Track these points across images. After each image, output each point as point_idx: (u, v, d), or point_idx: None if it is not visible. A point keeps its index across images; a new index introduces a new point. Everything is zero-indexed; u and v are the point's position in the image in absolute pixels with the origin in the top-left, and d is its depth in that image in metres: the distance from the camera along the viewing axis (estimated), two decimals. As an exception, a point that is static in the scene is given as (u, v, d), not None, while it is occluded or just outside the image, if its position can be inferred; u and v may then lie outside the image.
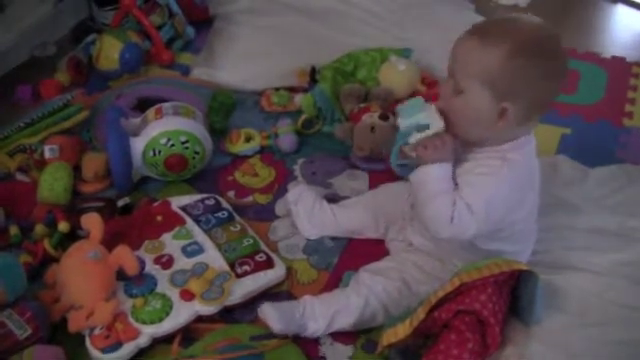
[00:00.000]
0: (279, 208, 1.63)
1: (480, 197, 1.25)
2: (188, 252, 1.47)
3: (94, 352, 1.29)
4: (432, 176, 1.27)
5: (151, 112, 1.67)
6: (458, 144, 1.29)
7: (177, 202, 1.59)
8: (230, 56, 2.10)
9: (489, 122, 1.24)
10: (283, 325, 1.29)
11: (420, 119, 1.28)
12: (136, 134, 1.64)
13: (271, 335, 1.30)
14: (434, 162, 1.27)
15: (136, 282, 1.39)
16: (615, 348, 1.24)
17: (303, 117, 1.84)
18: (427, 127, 1.27)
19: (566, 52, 1.25)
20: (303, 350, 1.30)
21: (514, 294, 1.30)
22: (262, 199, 1.67)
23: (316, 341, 1.34)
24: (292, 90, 1.95)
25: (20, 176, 1.67)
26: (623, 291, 1.35)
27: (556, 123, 1.87)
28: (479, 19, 2.06)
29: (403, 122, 1.31)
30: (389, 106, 1.81)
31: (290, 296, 1.42)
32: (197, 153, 1.65)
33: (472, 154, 1.30)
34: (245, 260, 1.45)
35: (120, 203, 1.60)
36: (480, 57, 1.21)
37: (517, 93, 1.21)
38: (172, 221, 1.54)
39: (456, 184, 1.28)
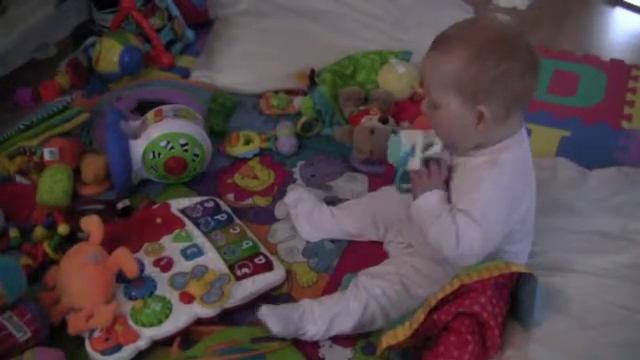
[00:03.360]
0: (278, 211, 1.63)
1: (477, 204, 1.25)
2: (187, 254, 1.47)
3: (94, 354, 1.29)
4: (425, 203, 1.30)
5: (151, 114, 1.67)
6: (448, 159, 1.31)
7: (177, 204, 1.59)
8: (230, 59, 2.10)
9: (470, 128, 1.25)
10: (281, 327, 1.29)
11: (420, 138, 1.32)
12: (136, 136, 1.64)
13: (271, 337, 1.30)
14: (427, 190, 1.30)
15: (136, 284, 1.39)
16: (616, 350, 1.24)
17: (302, 120, 1.84)
18: (431, 144, 1.31)
19: (532, 48, 1.24)
20: (303, 352, 1.30)
21: (514, 296, 1.30)
22: (261, 201, 1.67)
23: (316, 343, 1.33)
24: (291, 93, 1.96)
25: (20, 178, 1.67)
26: (623, 293, 1.35)
27: (555, 125, 1.88)
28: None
29: (404, 146, 1.33)
30: (389, 109, 1.82)
31: (290, 299, 1.42)
32: (197, 155, 1.65)
33: (465, 158, 1.30)
34: (244, 263, 1.45)
35: (120, 205, 1.60)
36: (442, 67, 1.23)
37: (487, 94, 1.21)
38: (172, 224, 1.54)
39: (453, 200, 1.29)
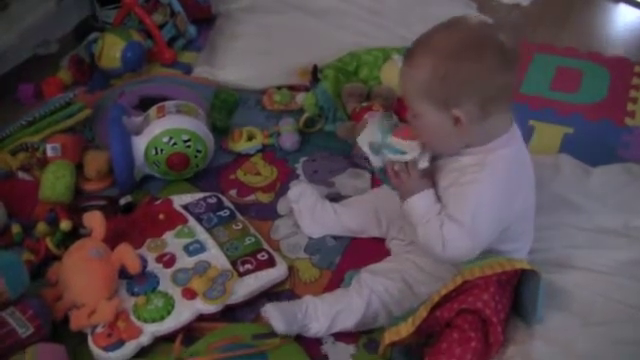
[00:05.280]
0: (281, 207, 1.63)
1: (465, 208, 1.25)
2: (190, 251, 1.47)
3: (96, 350, 1.29)
4: (413, 207, 1.30)
5: (153, 110, 1.67)
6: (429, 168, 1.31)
7: (179, 201, 1.59)
8: (232, 54, 2.10)
9: (449, 132, 1.25)
10: (286, 326, 1.29)
11: (397, 145, 1.32)
12: (138, 132, 1.64)
13: (273, 334, 1.29)
14: (409, 194, 1.30)
15: (138, 280, 1.39)
16: (620, 348, 1.24)
17: (305, 116, 1.84)
18: (404, 153, 1.31)
19: (505, 46, 1.22)
20: (305, 349, 1.30)
21: (516, 293, 1.30)
22: (264, 198, 1.67)
23: (318, 340, 1.33)
24: (294, 89, 1.96)
25: (22, 175, 1.67)
26: (627, 290, 1.35)
27: (558, 122, 1.88)
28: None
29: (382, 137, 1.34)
30: (391, 105, 1.82)
31: (292, 295, 1.42)
32: (199, 152, 1.65)
33: (453, 163, 1.30)
34: (247, 259, 1.45)
35: (122, 201, 1.60)
36: (412, 78, 1.25)
37: (458, 97, 1.22)
38: (174, 220, 1.54)
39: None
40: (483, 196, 1.25)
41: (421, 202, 1.30)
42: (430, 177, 1.32)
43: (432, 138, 1.29)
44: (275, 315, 1.30)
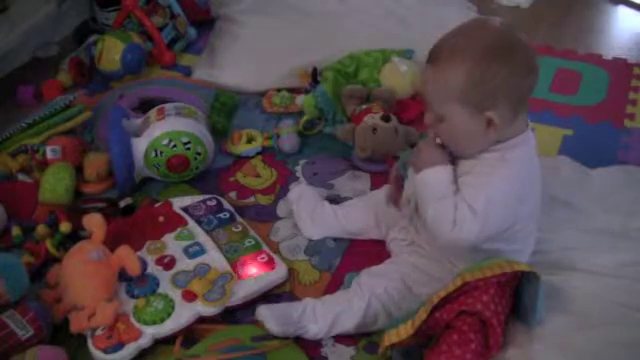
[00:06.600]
0: (281, 209, 1.63)
1: (480, 196, 1.25)
2: (190, 253, 1.47)
3: (96, 352, 1.29)
4: (429, 179, 1.29)
5: (153, 113, 1.67)
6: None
7: (179, 203, 1.59)
8: (232, 57, 2.10)
9: (480, 135, 1.25)
10: (280, 327, 1.29)
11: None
12: (138, 135, 1.64)
13: (273, 336, 1.30)
14: (425, 164, 1.29)
15: (138, 283, 1.39)
16: (618, 350, 1.24)
17: (305, 118, 1.84)
18: None
19: (528, 46, 1.25)
20: (305, 351, 1.30)
21: (516, 295, 1.30)
22: (264, 200, 1.67)
23: (318, 342, 1.33)
24: (294, 91, 1.96)
25: (22, 177, 1.67)
26: (626, 292, 1.35)
27: (558, 124, 1.88)
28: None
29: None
30: (391, 107, 1.82)
31: (292, 297, 1.42)
32: (199, 154, 1.65)
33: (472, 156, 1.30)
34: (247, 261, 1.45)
35: (122, 204, 1.60)
36: (442, 82, 1.24)
37: (493, 100, 1.22)
38: (174, 222, 1.54)
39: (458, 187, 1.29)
40: (497, 188, 1.25)
41: (438, 175, 1.28)
42: (448, 152, 1.30)
43: (460, 140, 1.28)
44: (266, 315, 1.30)
